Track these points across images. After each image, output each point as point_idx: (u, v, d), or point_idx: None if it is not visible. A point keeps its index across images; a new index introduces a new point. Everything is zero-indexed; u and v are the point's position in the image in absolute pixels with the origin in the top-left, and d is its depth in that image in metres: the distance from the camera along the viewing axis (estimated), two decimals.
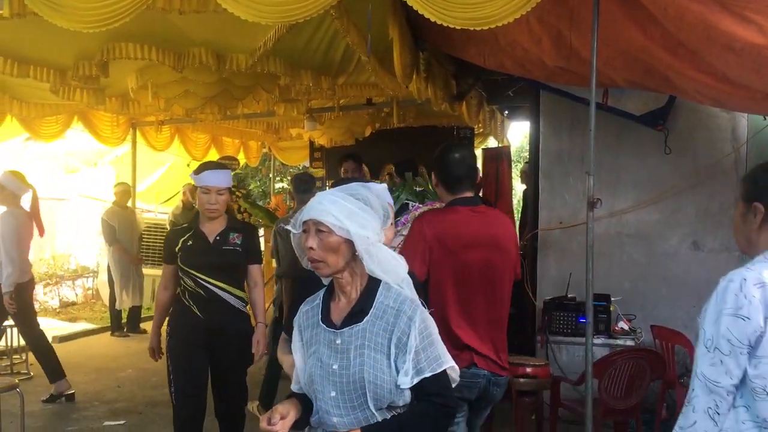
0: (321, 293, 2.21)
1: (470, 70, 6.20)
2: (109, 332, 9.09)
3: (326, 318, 2.13)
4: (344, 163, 6.80)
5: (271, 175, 15.17)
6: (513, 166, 12.95)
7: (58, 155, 12.12)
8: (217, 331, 3.93)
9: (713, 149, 5.58)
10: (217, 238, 3.96)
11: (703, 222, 5.61)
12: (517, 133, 18.44)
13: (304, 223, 2.06)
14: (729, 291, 1.85)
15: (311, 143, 11.58)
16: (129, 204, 9.57)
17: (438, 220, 3.14)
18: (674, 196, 5.65)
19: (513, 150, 14.36)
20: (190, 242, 3.94)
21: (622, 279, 5.66)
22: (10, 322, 7.05)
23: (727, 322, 1.83)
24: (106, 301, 9.49)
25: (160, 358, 4.14)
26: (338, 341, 2.06)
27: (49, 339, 8.38)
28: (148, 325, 9.29)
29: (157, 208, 12.78)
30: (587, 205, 3.90)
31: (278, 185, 17.02)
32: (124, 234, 8.97)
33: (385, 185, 2.14)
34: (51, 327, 9.42)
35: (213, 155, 11.52)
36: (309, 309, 2.20)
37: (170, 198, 12.82)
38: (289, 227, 2.14)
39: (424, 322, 2.04)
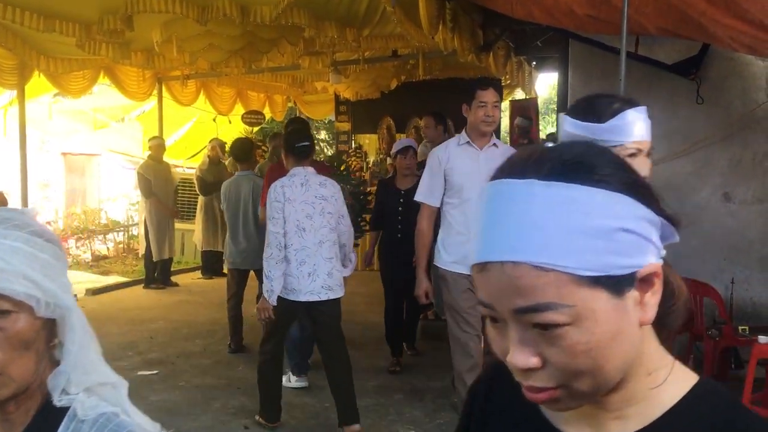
0: None
1: (497, 20, 6.08)
2: (141, 285, 9.26)
3: None
4: (425, 119, 5.93)
5: None
6: (540, 118, 12.79)
7: (86, 111, 12.25)
8: None
9: (747, 99, 5.45)
10: None
11: (735, 173, 5.51)
12: (545, 85, 18.20)
13: None
14: None
15: (336, 97, 11.55)
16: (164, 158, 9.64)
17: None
18: (706, 146, 5.54)
19: (540, 101, 14.19)
20: None
21: None
22: None
23: None
24: (142, 254, 9.66)
25: None
26: None
27: (83, 292, 8.65)
28: (178, 278, 9.50)
29: (184, 163, 12.89)
30: None
31: None
32: (160, 187, 9.07)
33: None
34: (84, 280, 9.65)
35: (238, 110, 11.56)
36: None
37: (197, 153, 12.93)
38: None
39: None
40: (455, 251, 4.01)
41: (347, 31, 6.11)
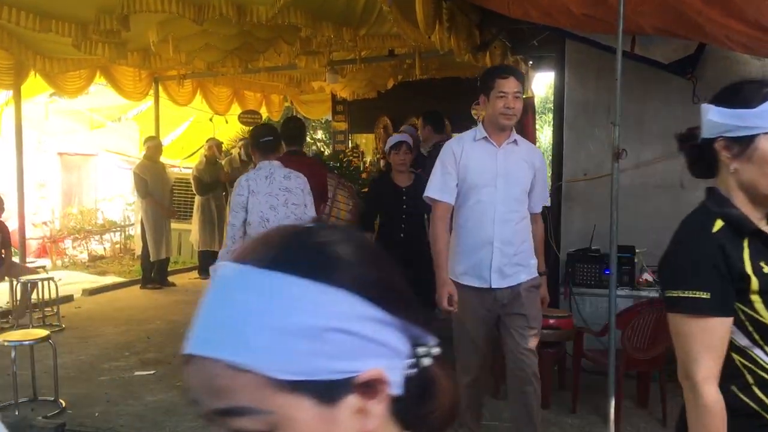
0: None
1: (494, 20, 6.08)
2: (138, 285, 9.25)
3: None
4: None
5: None
6: (537, 117, 12.78)
7: (82, 111, 12.22)
8: None
9: None
10: None
11: None
12: (542, 84, 18.20)
13: None
14: None
15: (333, 96, 11.53)
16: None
17: None
18: None
19: (537, 101, 14.18)
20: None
21: (647, 230, 5.60)
22: (41, 276, 7.21)
23: None
24: (138, 254, 9.64)
25: None
26: None
27: (80, 292, 8.63)
28: (175, 278, 9.49)
29: (181, 163, 12.87)
30: (612, 156, 3.84)
31: None
32: (156, 188, 9.05)
33: None
34: (81, 280, 9.64)
35: (235, 109, 11.55)
36: None
37: (193, 153, 12.91)
38: None
39: None
40: (465, 260, 3.61)
41: (344, 30, 6.11)
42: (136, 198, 9.34)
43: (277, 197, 4.34)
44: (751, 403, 1.64)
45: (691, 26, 3.93)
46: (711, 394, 1.60)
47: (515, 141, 3.66)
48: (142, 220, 9.11)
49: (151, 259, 9.04)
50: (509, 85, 3.52)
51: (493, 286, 3.54)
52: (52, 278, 7.16)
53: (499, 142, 3.61)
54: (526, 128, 9.84)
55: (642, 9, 3.91)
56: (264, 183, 4.34)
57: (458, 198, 3.62)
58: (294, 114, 14.05)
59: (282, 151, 4.91)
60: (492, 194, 3.55)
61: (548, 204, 3.98)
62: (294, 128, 5.56)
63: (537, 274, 3.73)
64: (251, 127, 5.75)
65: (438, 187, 3.61)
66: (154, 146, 9.22)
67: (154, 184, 8.97)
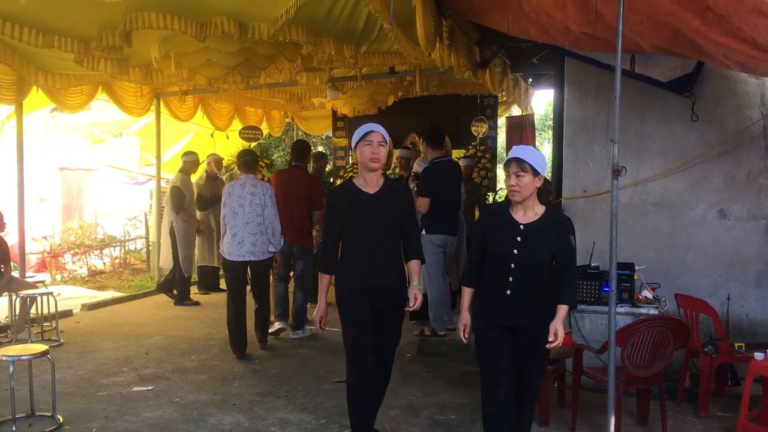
0: None
1: (494, 38, 6.13)
2: (137, 300, 9.22)
3: None
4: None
5: None
6: (537, 134, 12.82)
7: (84, 126, 12.27)
8: None
9: (741, 116, 5.48)
10: None
11: (730, 190, 5.54)
12: (541, 101, 18.29)
13: None
14: None
15: (334, 113, 11.59)
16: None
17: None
18: (701, 164, 5.57)
19: (537, 118, 14.24)
20: None
21: (646, 248, 5.62)
22: (40, 290, 7.19)
23: None
24: (161, 265, 9.54)
25: None
26: None
27: (78, 307, 8.61)
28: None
29: None
30: (612, 173, 3.86)
31: None
32: (191, 203, 9.09)
33: None
34: (80, 295, 9.63)
35: (236, 125, 11.59)
36: None
37: None
38: None
39: None
40: None
41: (345, 47, 6.15)
42: (168, 212, 9.13)
43: (245, 198, 6.33)
44: None
45: (688, 45, 3.95)
46: None
47: None
48: (172, 234, 8.97)
49: (186, 275, 8.96)
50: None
51: None
52: (51, 293, 7.15)
53: None
54: (525, 144, 9.87)
55: (640, 28, 3.93)
56: (239, 189, 6.38)
57: None
58: (294, 130, 14.12)
59: (258, 167, 6.86)
60: None
61: None
62: (299, 149, 7.51)
63: None
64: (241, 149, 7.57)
65: None
66: (191, 161, 9.18)
67: (189, 199, 8.98)
